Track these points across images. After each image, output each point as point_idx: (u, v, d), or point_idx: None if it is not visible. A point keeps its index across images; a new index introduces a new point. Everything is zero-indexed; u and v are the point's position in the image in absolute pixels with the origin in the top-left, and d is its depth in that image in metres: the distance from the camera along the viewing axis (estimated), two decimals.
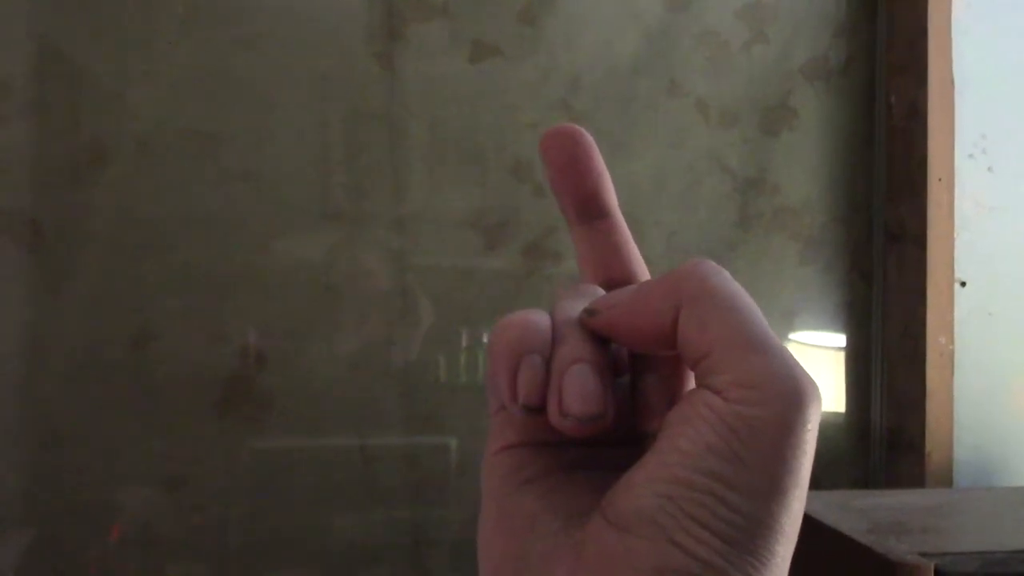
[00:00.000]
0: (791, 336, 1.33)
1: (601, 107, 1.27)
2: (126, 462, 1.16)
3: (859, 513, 0.88)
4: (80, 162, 1.15)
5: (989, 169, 1.29)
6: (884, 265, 1.33)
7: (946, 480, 1.23)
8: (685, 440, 0.27)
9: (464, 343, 1.25)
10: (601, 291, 0.34)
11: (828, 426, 1.33)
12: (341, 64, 1.22)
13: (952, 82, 1.27)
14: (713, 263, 0.29)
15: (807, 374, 0.27)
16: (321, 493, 1.21)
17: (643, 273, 0.36)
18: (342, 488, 1.21)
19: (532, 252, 1.25)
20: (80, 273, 1.15)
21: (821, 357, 1.35)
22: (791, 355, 0.27)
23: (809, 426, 0.27)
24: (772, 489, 0.26)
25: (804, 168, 1.34)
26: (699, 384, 0.28)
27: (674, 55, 1.30)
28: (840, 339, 1.35)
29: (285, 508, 1.20)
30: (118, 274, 1.16)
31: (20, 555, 1.14)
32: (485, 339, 1.26)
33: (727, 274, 0.29)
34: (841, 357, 1.35)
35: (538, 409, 0.29)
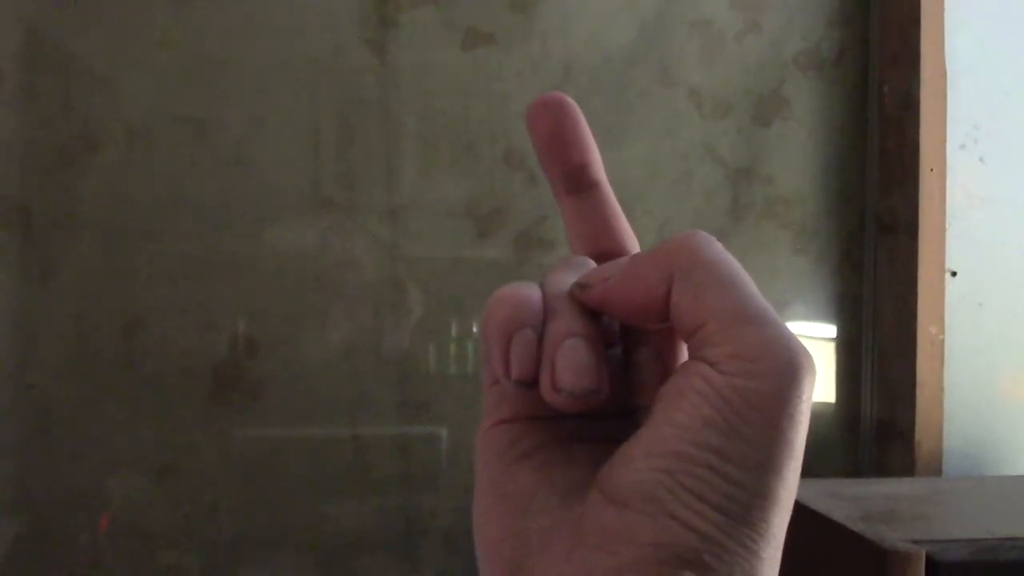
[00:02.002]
0: None
1: (594, 96, 1.27)
2: (116, 450, 1.16)
3: (850, 501, 0.88)
4: (71, 149, 1.14)
5: (981, 159, 1.29)
6: (875, 255, 1.33)
7: (936, 469, 1.24)
8: (681, 413, 0.27)
9: (455, 332, 1.25)
10: (592, 263, 0.33)
11: (819, 416, 1.33)
12: (333, 51, 1.21)
13: (945, 72, 1.27)
14: (705, 234, 0.29)
15: (802, 345, 0.27)
16: (312, 482, 1.21)
17: (633, 244, 0.35)
18: (334, 477, 1.21)
19: (524, 241, 1.25)
20: (70, 261, 1.14)
21: (812, 347, 1.35)
22: (786, 326, 0.27)
23: (805, 397, 0.27)
24: (768, 461, 0.26)
25: (796, 158, 1.34)
26: (693, 356, 0.28)
27: (667, 44, 1.30)
28: (831, 329, 1.35)
29: (276, 497, 1.20)
30: (109, 262, 1.15)
31: (10, 543, 1.13)
32: (476, 329, 1.26)
33: (719, 245, 0.29)
34: (832, 347, 1.36)
35: (531, 384, 0.29)
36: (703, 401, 0.26)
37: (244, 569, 1.19)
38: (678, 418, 0.27)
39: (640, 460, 0.27)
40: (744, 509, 0.26)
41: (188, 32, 1.17)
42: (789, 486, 0.27)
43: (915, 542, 0.73)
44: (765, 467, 0.26)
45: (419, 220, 1.23)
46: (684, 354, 0.32)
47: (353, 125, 1.22)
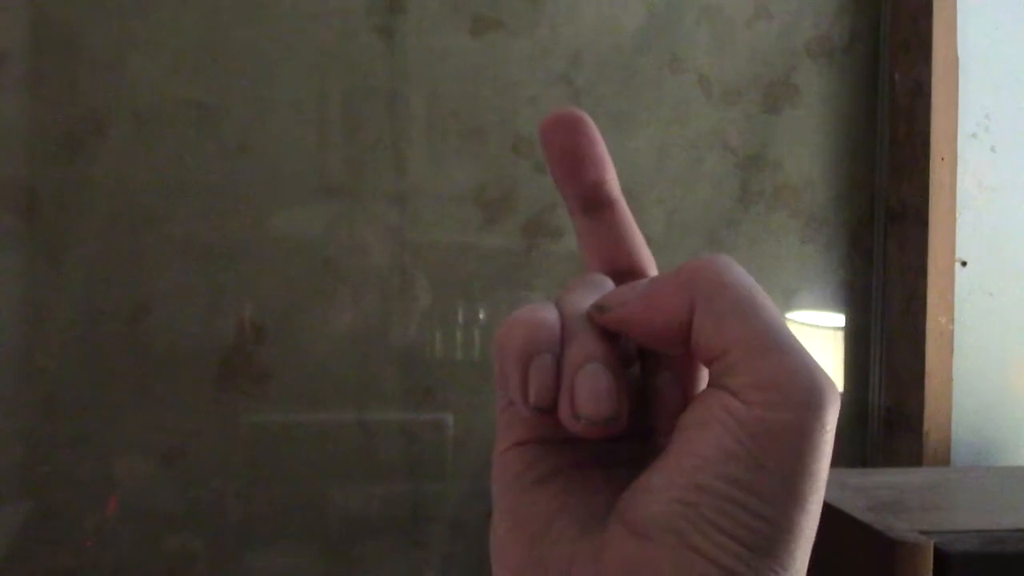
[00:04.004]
0: (790, 315, 1.33)
1: (602, 82, 1.26)
2: (123, 434, 1.16)
3: (858, 491, 0.88)
4: (77, 133, 1.14)
5: (992, 148, 1.28)
6: (885, 244, 1.33)
7: (944, 459, 1.23)
8: (703, 444, 0.26)
9: (462, 319, 1.25)
10: (609, 281, 0.33)
11: None
12: (341, 36, 1.21)
13: (956, 60, 1.26)
14: (727, 257, 0.29)
15: (826, 374, 0.27)
16: (319, 467, 1.21)
17: (648, 261, 0.35)
18: (340, 462, 1.21)
19: (532, 228, 1.24)
20: (77, 245, 1.14)
21: (820, 336, 1.35)
22: (809, 355, 0.27)
23: (828, 428, 0.26)
24: (793, 493, 0.26)
25: (806, 146, 1.33)
26: (714, 384, 0.28)
27: (677, 30, 1.29)
28: (840, 318, 1.35)
29: (283, 482, 1.20)
30: (115, 246, 1.15)
31: (17, 527, 1.14)
32: (483, 315, 1.25)
33: (741, 269, 0.28)
34: (840, 336, 1.35)
35: (550, 410, 0.29)
36: (725, 432, 0.26)
37: (250, 553, 1.20)
38: (700, 449, 0.26)
39: (661, 492, 0.27)
40: (768, 542, 0.25)
41: (195, 16, 1.17)
42: (813, 518, 0.26)
43: (923, 532, 0.73)
44: (789, 499, 0.26)
45: (427, 206, 1.23)
46: (704, 378, 0.31)
47: (361, 111, 1.21)
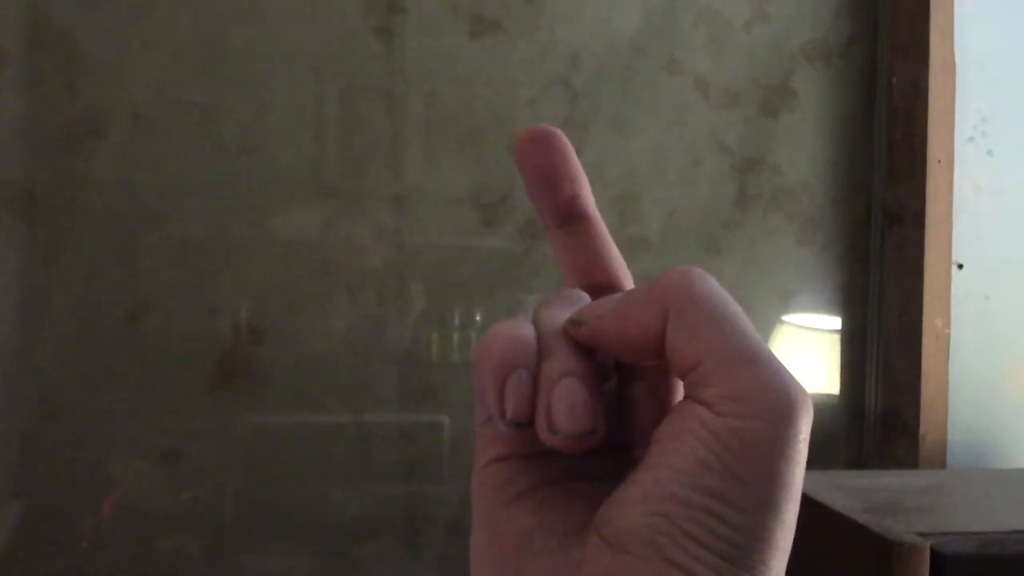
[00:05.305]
0: (787, 318, 1.33)
1: (600, 84, 1.26)
2: (120, 435, 1.16)
3: (854, 493, 0.88)
4: (75, 133, 1.14)
5: (989, 152, 1.28)
6: (882, 247, 1.33)
7: (940, 462, 1.24)
8: (677, 456, 0.26)
9: (459, 321, 1.25)
10: (585, 296, 0.33)
11: (823, 407, 1.33)
12: (339, 37, 1.21)
13: (954, 64, 1.26)
14: (700, 270, 0.29)
15: (798, 384, 0.27)
16: (316, 468, 1.21)
17: (624, 275, 0.35)
18: (337, 463, 1.21)
19: (530, 230, 1.24)
20: (75, 245, 1.14)
21: (817, 338, 1.35)
22: (781, 365, 0.27)
23: (802, 437, 0.26)
24: (767, 503, 0.26)
25: (803, 149, 1.34)
26: (688, 395, 0.28)
27: (675, 32, 1.29)
28: (836, 320, 1.35)
29: (279, 483, 1.20)
30: (113, 246, 1.15)
31: (13, 527, 1.14)
32: (480, 317, 1.26)
33: (714, 281, 0.29)
34: (837, 338, 1.36)
35: (527, 425, 0.29)
36: (699, 444, 0.26)
37: (247, 554, 1.20)
38: (675, 461, 0.26)
39: (638, 505, 0.27)
40: (744, 552, 0.26)
41: (194, 17, 1.17)
42: (788, 527, 0.27)
43: (920, 534, 0.73)
44: (763, 509, 0.26)
45: (425, 208, 1.23)
46: (679, 389, 0.32)
47: (359, 112, 1.22)
